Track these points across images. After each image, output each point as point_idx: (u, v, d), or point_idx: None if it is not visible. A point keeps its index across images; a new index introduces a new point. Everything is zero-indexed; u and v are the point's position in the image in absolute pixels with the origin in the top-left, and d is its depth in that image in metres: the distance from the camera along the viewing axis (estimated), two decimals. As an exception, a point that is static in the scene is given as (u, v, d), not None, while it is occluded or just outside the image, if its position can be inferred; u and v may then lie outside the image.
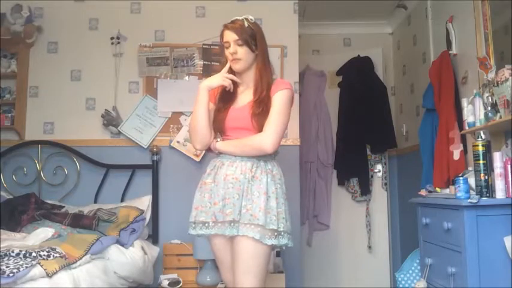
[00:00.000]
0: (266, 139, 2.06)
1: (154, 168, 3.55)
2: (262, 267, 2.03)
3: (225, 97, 2.22)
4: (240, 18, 2.18)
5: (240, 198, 2.03)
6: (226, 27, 2.18)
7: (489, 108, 2.51)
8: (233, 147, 2.12)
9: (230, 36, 2.14)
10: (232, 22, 2.17)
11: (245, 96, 2.20)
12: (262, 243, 1.98)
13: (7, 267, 1.97)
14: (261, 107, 2.10)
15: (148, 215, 3.40)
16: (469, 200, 2.27)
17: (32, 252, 2.17)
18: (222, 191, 2.07)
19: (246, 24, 2.15)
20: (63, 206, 3.30)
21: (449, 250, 2.43)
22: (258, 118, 2.09)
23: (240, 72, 2.21)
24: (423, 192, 2.95)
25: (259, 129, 2.09)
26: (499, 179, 2.31)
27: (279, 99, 2.12)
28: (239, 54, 2.13)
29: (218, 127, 2.20)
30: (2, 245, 2.32)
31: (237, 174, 2.07)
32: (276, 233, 2.00)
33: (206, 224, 2.08)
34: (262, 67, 2.17)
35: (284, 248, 2.08)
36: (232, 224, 2.02)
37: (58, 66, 3.68)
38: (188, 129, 2.42)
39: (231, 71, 2.20)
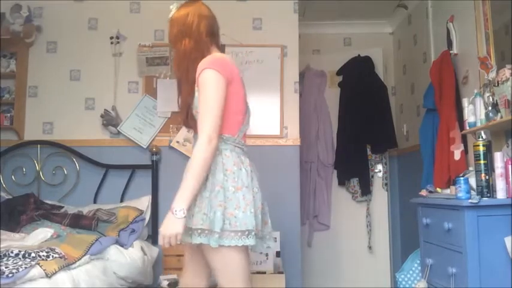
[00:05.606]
0: (200, 146, 1.82)
1: (153, 168, 3.54)
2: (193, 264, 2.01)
3: None
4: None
5: None
6: None
7: (490, 108, 2.51)
8: (189, 180, 1.81)
9: None
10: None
11: None
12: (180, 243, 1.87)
13: (6, 267, 1.97)
14: (183, 98, 1.98)
15: (147, 215, 3.39)
16: (469, 200, 2.26)
17: (31, 253, 2.16)
18: None
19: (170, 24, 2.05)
20: (63, 206, 3.30)
21: (449, 250, 2.42)
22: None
23: None
24: (424, 192, 2.94)
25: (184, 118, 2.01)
26: (500, 179, 2.31)
27: (200, 86, 1.90)
28: None
29: None
30: (1, 246, 2.32)
31: None
32: (190, 232, 1.85)
33: None
34: (176, 53, 2.05)
35: (212, 245, 1.80)
36: None
37: (57, 66, 3.67)
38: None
39: None
